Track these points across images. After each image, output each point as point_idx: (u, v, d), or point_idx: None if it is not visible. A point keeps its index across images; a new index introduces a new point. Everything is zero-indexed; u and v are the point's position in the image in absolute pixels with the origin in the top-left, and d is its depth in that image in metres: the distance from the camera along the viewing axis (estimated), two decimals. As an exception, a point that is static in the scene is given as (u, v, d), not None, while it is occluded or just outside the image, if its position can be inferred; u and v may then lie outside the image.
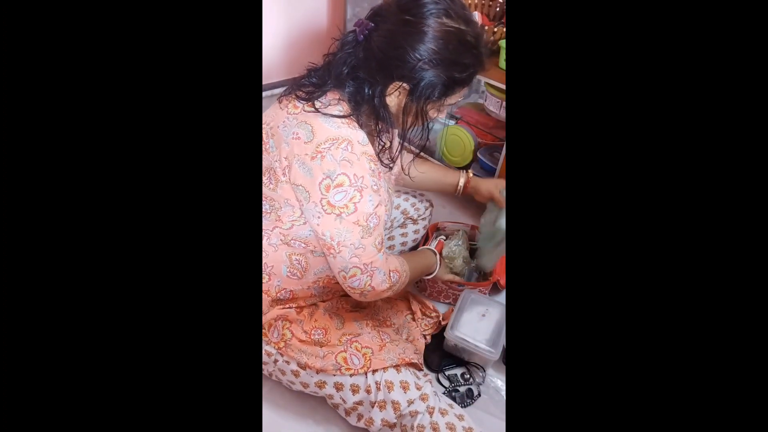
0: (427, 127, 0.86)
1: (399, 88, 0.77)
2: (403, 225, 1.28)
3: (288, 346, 0.90)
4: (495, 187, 1.21)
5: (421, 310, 1.15)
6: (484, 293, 1.21)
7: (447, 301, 1.25)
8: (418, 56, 0.73)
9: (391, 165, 0.88)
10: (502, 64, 1.29)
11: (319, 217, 0.77)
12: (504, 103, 1.39)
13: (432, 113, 0.83)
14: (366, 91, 0.79)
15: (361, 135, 0.78)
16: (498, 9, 1.47)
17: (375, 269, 0.82)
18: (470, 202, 1.64)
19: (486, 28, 1.34)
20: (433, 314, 1.16)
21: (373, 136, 0.82)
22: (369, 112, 0.80)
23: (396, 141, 0.87)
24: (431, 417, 0.83)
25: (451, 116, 1.58)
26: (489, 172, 1.48)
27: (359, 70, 0.79)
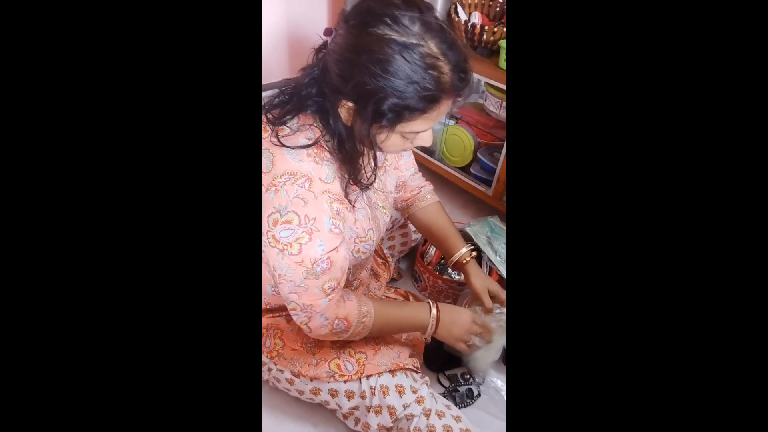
0: (375, 155, 0.74)
1: (344, 106, 0.67)
2: (404, 225, 1.28)
3: (280, 356, 0.89)
4: (486, 285, 1.00)
5: (421, 310, 1.15)
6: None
7: (447, 301, 1.25)
8: (358, 73, 0.62)
9: (368, 184, 0.80)
10: (502, 64, 1.29)
11: (264, 247, 0.73)
12: (504, 103, 1.39)
13: (380, 137, 0.69)
14: (326, 108, 0.71)
15: (324, 171, 0.71)
16: (498, 9, 1.47)
17: (315, 313, 0.76)
18: (470, 201, 1.64)
19: (486, 28, 1.34)
20: (434, 314, 1.15)
21: (344, 161, 0.75)
22: (332, 134, 0.73)
23: (370, 157, 0.80)
24: (428, 420, 0.83)
25: (451, 116, 1.58)
26: (489, 172, 1.48)
27: (316, 86, 0.71)
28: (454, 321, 0.89)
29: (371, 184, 0.81)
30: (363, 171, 0.78)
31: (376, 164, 0.78)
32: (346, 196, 0.76)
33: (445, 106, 0.67)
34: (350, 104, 0.66)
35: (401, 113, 0.64)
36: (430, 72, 0.62)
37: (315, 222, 0.70)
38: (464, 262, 1.03)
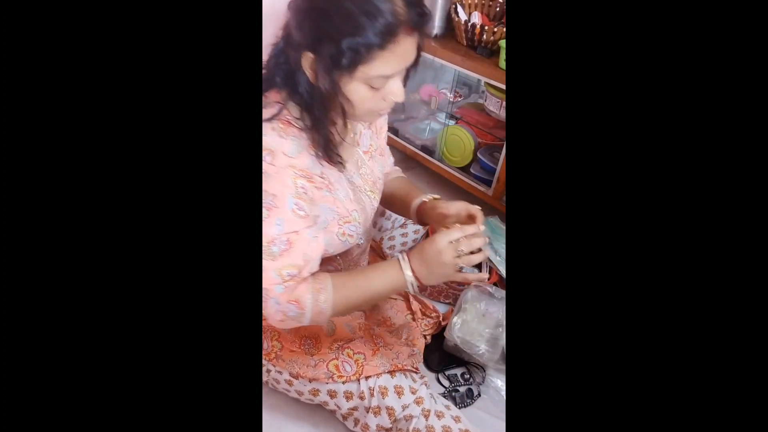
0: (343, 105, 0.70)
1: (306, 57, 0.66)
2: (403, 225, 1.28)
3: (278, 357, 0.89)
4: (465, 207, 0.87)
5: (421, 310, 1.15)
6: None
7: (447, 301, 1.25)
8: (314, 16, 0.63)
9: (341, 160, 0.77)
10: (502, 64, 1.29)
11: None
12: (504, 103, 1.39)
13: (344, 85, 0.67)
14: (293, 72, 0.70)
15: (288, 145, 0.70)
16: (498, 9, 1.47)
17: (269, 298, 0.70)
18: (470, 201, 1.64)
19: (486, 28, 1.34)
20: (433, 314, 1.15)
21: (312, 129, 0.71)
22: (300, 100, 0.71)
23: (344, 130, 0.76)
24: (427, 420, 0.82)
25: (451, 116, 1.58)
26: (489, 172, 1.48)
27: (282, 55, 0.71)
28: (432, 263, 0.73)
29: (345, 162, 0.78)
30: (334, 137, 0.75)
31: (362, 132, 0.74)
32: (321, 174, 0.74)
33: (405, 42, 0.65)
34: (310, 54, 0.65)
35: (359, 50, 0.63)
36: (383, 4, 0.61)
37: (275, 198, 0.68)
38: (426, 205, 0.92)
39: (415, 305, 1.15)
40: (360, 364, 0.87)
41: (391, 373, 0.87)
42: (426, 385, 0.89)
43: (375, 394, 0.84)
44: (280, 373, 0.90)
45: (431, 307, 1.17)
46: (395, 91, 0.70)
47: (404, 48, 0.65)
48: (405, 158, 1.72)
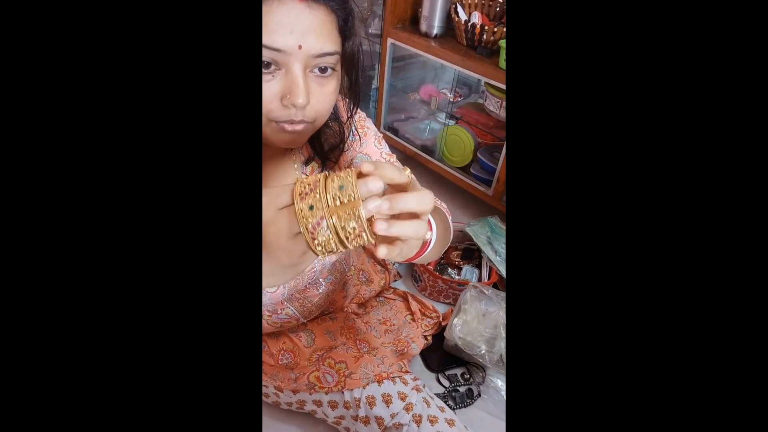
0: None
1: None
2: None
3: (261, 371, 0.89)
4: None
5: (420, 310, 1.15)
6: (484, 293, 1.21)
7: (447, 301, 1.26)
8: None
9: None
10: (502, 64, 1.29)
11: None
12: (504, 103, 1.39)
13: None
14: None
15: None
16: (498, 9, 1.47)
17: None
18: (470, 201, 1.64)
19: (486, 28, 1.34)
20: (433, 314, 1.16)
21: None
22: None
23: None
24: (419, 427, 0.79)
25: (451, 116, 1.59)
26: (489, 172, 1.48)
27: None
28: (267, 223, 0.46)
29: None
30: None
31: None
32: None
33: (288, 2, 0.47)
34: None
35: None
36: None
37: None
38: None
39: (414, 305, 1.15)
40: (342, 374, 0.85)
41: (378, 381, 0.85)
42: (417, 390, 0.85)
43: (362, 405, 0.83)
44: (266, 386, 0.91)
45: (431, 308, 1.17)
46: (290, 85, 0.48)
47: (288, 9, 0.46)
48: (405, 158, 1.72)
